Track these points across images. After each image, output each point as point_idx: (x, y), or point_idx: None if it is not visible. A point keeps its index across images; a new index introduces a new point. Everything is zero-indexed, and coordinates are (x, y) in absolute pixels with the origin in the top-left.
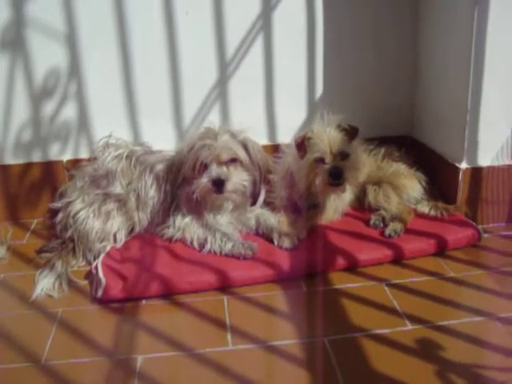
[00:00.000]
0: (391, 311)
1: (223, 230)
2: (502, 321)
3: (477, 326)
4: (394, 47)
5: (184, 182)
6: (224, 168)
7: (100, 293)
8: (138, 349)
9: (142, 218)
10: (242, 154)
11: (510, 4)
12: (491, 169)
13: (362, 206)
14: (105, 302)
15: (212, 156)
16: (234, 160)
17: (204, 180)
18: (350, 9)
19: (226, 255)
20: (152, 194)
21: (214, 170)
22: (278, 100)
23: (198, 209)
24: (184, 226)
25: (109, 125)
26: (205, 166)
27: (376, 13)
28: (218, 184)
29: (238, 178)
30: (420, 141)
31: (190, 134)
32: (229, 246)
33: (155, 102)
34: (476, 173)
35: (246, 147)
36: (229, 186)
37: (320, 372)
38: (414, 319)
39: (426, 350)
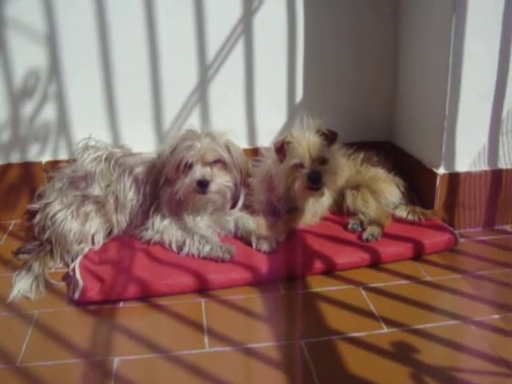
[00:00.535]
0: (368, 314)
1: (202, 232)
2: (476, 324)
3: (452, 330)
4: (375, 54)
5: (166, 183)
6: (208, 169)
7: (77, 295)
8: (114, 351)
9: (121, 220)
10: (226, 156)
11: (487, 11)
12: (468, 174)
13: (340, 210)
14: (82, 303)
15: (197, 156)
16: (217, 161)
17: (188, 180)
18: (331, 14)
19: (204, 258)
20: (131, 196)
21: (199, 171)
22: (258, 104)
23: (179, 210)
24: (163, 228)
25: (88, 126)
26: (189, 167)
27: (357, 19)
28: (203, 184)
29: (222, 180)
30: (398, 146)
31: (172, 136)
32: (207, 248)
33: (135, 104)
34: (453, 178)
35: (228, 149)
36: (213, 187)
37: (297, 375)
38: (390, 322)
39: (401, 353)
